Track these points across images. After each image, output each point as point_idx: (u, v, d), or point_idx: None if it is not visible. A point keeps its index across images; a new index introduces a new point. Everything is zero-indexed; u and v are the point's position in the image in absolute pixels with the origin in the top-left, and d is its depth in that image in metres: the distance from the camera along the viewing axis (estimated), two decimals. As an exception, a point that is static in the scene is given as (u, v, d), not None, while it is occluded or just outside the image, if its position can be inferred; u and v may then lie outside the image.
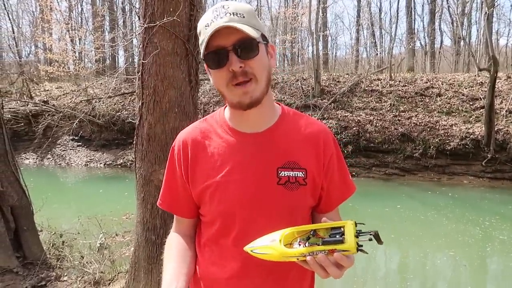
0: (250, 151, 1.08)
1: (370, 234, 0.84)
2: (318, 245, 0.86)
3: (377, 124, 12.42)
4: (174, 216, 1.22)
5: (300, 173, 1.06)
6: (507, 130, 11.22)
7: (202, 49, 0.98)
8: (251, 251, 0.94)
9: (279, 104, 1.16)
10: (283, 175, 1.05)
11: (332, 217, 1.08)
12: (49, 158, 14.58)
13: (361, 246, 0.85)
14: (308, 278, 1.18)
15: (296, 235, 0.92)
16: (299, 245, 0.90)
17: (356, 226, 0.86)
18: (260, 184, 1.05)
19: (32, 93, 16.23)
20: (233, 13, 0.96)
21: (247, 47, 0.97)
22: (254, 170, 1.06)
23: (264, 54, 1.02)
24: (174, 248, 1.17)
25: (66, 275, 3.94)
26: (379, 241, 0.85)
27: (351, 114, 12.97)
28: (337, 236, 0.85)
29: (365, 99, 13.64)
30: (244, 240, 1.05)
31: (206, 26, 0.97)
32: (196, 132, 1.14)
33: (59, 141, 14.93)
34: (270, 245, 0.91)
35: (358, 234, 0.84)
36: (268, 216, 1.06)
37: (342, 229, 0.86)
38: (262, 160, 1.07)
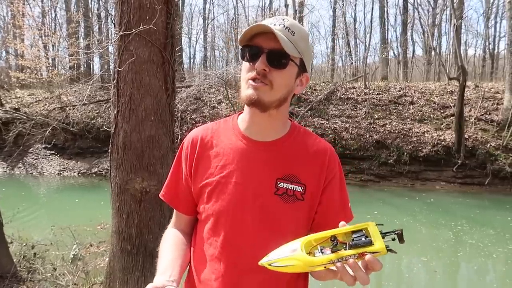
0: (254, 157, 1.10)
1: (395, 234, 0.82)
2: (345, 249, 0.82)
3: (353, 132, 12.65)
4: (174, 211, 1.25)
5: (299, 187, 1.07)
6: (475, 137, 11.65)
7: (241, 37, 1.05)
8: (269, 265, 0.87)
9: (291, 120, 1.19)
10: (281, 186, 1.07)
11: None
12: (20, 167, 14.09)
13: (388, 246, 0.81)
14: (301, 279, 1.14)
15: (314, 243, 0.86)
16: (322, 252, 0.84)
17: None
18: (257, 190, 1.07)
19: (2, 100, 15.70)
20: (287, 27, 1.04)
21: (278, 58, 1.02)
22: (255, 176, 1.08)
23: (292, 75, 1.07)
24: (171, 241, 1.19)
25: (37, 288, 3.82)
26: (401, 240, 0.82)
27: (327, 122, 13.17)
28: (363, 238, 0.81)
29: (341, 107, 13.89)
30: (232, 242, 1.07)
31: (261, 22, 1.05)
32: (207, 131, 1.18)
33: (30, 149, 14.44)
34: (293, 256, 0.84)
35: (383, 234, 0.82)
36: (257, 223, 1.06)
37: (363, 231, 0.83)
38: (264, 169, 1.09)
